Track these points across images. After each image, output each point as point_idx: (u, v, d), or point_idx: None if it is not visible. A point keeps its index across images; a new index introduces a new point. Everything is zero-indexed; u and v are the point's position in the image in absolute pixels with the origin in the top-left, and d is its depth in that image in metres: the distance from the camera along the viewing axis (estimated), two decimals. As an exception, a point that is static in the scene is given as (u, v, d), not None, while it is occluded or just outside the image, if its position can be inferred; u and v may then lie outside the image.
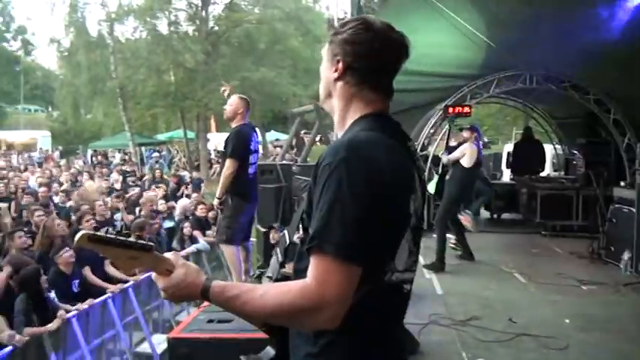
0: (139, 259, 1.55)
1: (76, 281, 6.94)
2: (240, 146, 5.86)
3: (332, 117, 1.83)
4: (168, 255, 1.62)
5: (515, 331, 5.62)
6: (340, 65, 1.72)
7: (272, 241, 8.54)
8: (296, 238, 1.72)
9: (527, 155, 13.58)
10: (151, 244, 1.60)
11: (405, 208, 1.61)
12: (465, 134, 8.72)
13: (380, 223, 1.50)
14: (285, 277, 1.69)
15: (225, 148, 6.13)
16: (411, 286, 1.71)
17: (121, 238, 1.56)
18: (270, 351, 1.75)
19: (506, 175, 17.74)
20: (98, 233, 1.55)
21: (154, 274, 1.61)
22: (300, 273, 1.57)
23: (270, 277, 1.79)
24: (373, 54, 1.70)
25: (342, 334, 1.53)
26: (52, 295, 6.51)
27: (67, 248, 6.96)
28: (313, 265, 1.47)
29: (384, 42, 1.71)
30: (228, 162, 5.90)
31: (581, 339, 5.53)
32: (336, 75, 1.74)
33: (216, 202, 6.16)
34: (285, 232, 1.79)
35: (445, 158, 8.72)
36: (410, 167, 1.67)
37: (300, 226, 1.68)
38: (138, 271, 7.68)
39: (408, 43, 1.75)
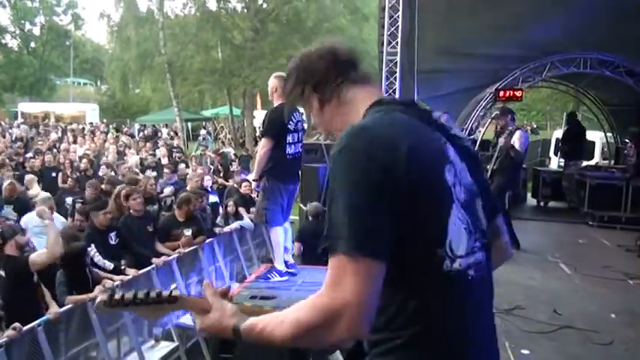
0: (167, 309, 1.58)
1: (113, 234, 7.19)
2: (273, 125, 5.74)
3: None
4: (208, 295, 1.63)
5: (559, 323, 5.53)
6: (312, 95, 1.74)
7: None
8: None
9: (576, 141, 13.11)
10: (175, 295, 1.58)
11: (437, 183, 1.46)
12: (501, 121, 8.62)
13: (400, 202, 1.36)
14: None
15: (262, 127, 6.09)
16: (480, 272, 1.55)
17: (141, 296, 1.54)
18: (338, 357, 1.72)
19: (555, 162, 17.44)
20: (116, 297, 1.52)
21: (191, 313, 1.65)
22: None
23: None
24: (321, 64, 1.73)
25: (403, 337, 1.45)
26: (92, 247, 6.72)
27: (106, 210, 7.26)
28: (328, 269, 1.37)
29: (318, 52, 1.75)
30: (262, 141, 5.87)
31: (626, 335, 5.39)
32: (318, 105, 1.74)
33: (254, 184, 6.11)
34: None
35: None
36: (432, 138, 1.55)
37: None
38: (182, 247, 7.81)
39: (338, 41, 1.80)
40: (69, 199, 9.45)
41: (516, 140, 8.16)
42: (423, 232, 1.43)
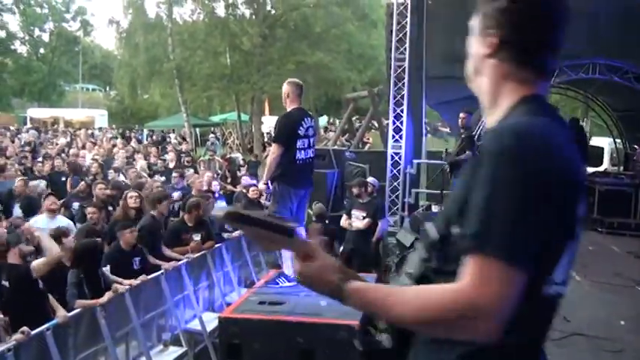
0: (277, 241, 1.51)
1: (137, 259, 7.07)
2: (284, 131, 5.79)
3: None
4: (313, 242, 1.53)
5: (568, 330, 5.51)
6: (493, 40, 1.51)
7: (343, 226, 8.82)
8: (436, 232, 1.52)
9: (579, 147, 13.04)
10: (294, 228, 1.51)
11: (572, 214, 1.40)
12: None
13: (548, 227, 1.31)
14: (426, 276, 1.50)
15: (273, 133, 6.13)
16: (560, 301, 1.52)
17: (265, 219, 1.49)
18: (385, 340, 1.57)
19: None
20: (244, 212, 1.48)
21: (293, 255, 1.55)
22: (445, 275, 1.39)
23: (409, 274, 1.57)
24: (533, 27, 1.47)
25: (486, 347, 1.34)
26: (107, 268, 6.64)
27: (133, 227, 7.14)
28: (471, 267, 1.29)
29: (547, 12, 1.48)
30: (273, 146, 5.91)
31: (636, 342, 5.38)
32: (488, 51, 1.52)
33: (262, 186, 6.14)
34: (431, 224, 1.57)
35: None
36: (578, 163, 1.44)
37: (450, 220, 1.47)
38: (191, 252, 7.81)
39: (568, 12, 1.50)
40: (76, 204, 9.37)
41: None
42: (548, 256, 1.38)
